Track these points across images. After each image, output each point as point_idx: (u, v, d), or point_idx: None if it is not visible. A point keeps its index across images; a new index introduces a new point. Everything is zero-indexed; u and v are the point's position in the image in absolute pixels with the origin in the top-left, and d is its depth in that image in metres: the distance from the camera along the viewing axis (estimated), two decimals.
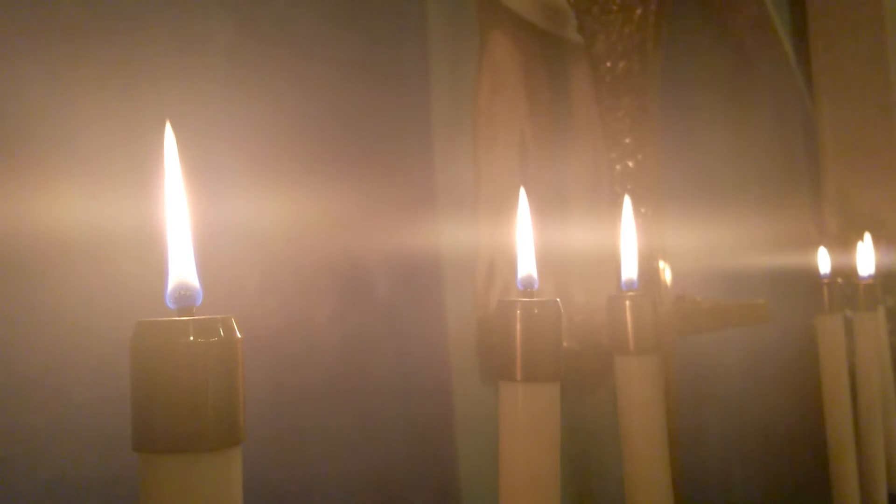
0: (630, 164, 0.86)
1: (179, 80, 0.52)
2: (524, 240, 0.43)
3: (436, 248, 0.72)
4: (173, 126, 0.44)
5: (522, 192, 0.44)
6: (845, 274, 1.17)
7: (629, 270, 0.57)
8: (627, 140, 0.86)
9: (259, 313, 0.55)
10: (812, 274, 1.12)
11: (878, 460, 1.12)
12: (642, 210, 0.86)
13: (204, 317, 0.26)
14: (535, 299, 0.41)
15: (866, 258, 1.14)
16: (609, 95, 0.87)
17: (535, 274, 0.43)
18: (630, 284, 0.57)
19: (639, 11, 0.85)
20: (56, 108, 0.44)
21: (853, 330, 1.12)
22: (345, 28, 0.65)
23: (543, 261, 0.87)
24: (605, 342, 0.70)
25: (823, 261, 1.02)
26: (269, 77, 0.59)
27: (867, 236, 1.26)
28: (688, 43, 1.27)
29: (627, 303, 0.56)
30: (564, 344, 0.72)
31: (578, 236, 0.91)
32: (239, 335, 0.26)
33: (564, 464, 0.87)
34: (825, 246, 1.60)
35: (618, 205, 0.87)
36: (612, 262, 0.88)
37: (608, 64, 0.87)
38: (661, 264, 0.85)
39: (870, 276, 1.15)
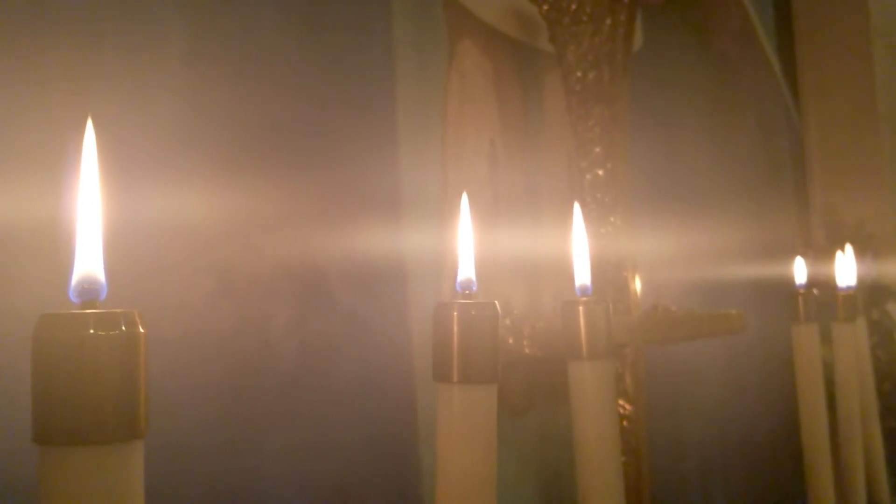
0: (600, 172, 0.87)
1: (131, 85, 0.52)
2: (464, 243, 0.43)
3: (400, 254, 0.72)
4: (118, 128, 0.44)
5: (464, 197, 0.44)
6: (827, 285, 1.17)
7: (582, 276, 0.57)
8: (597, 149, 0.87)
9: (212, 317, 0.55)
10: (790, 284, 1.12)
11: (858, 471, 1.12)
12: (612, 219, 0.86)
13: (105, 310, 0.26)
14: (472, 301, 0.41)
15: (845, 269, 1.14)
16: (579, 105, 0.87)
17: (473, 277, 0.43)
18: (584, 290, 0.57)
19: (608, 22, 0.86)
20: None
21: (832, 341, 1.13)
22: (309, 35, 0.65)
23: (515, 268, 0.87)
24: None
25: (799, 271, 1.02)
26: (229, 83, 0.59)
27: (848, 248, 1.27)
28: (669, 54, 1.27)
29: (581, 308, 0.56)
30: (526, 350, 0.72)
31: (551, 244, 0.92)
32: (142, 329, 0.27)
33: (537, 471, 0.87)
34: (808, 257, 1.61)
35: (588, 213, 0.87)
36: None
37: (579, 74, 0.87)
38: (629, 273, 0.85)
39: (849, 287, 1.16)
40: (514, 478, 0.83)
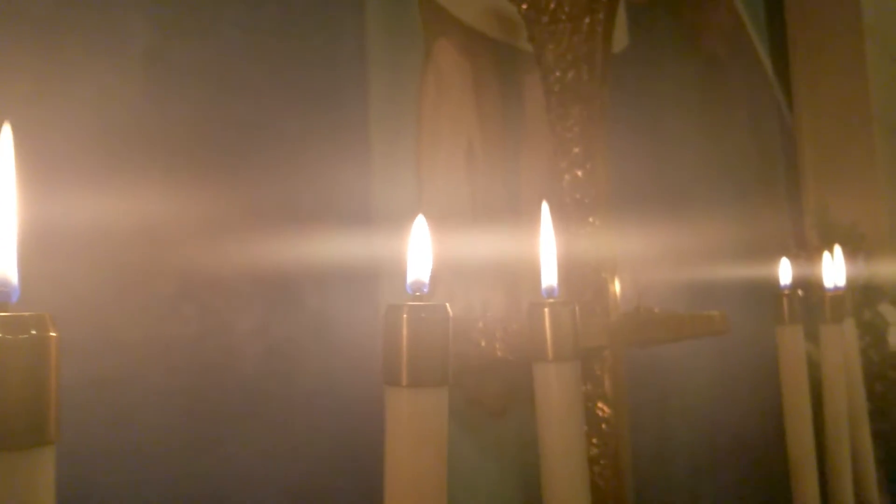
0: (579, 173, 0.86)
1: (89, 84, 0.52)
2: (416, 244, 0.43)
3: (372, 257, 0.71)
4: (74, 128, 0.43)
5: (419, 202, 0.44)
6: (818, 286, 1.16)
7: (549, 277, 0.57)
8: (576, 149, 0.86)
9: (174, 320, 0.55)
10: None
11: (845, 473, 1.11)
12: (591, 220, 0.85)
13: (13, 314, 0.26)
14: (423, 303, 0.41)
15: (832, 270, 1.14)
16: (558, 105, 0.87)
17: (425, 278, 0.42)
18: (550, 291, 0.57)
19: (587, 21, 0.85)
20: None
21: (819, 342, 1.12)
22: (277, 34, 0.65)
23: (494, 271, 0.87)
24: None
25: (784, 272, 1.02)
26: (193, 83, 0.58)
27: (837, 248, 1.26)
28: (656, 53, 1.27)
29: (546, 310, 0.55)
30: (498, 353, 0.72)
31: (530, 245, 0.91)
32: (53, 333, 0.26)
33: (517, 473, 0.86)
34: (801, 257, 1.60)
35: (567, 214, 0.86)
36: (561, 272, 0.87)
37: (557, 73, 0.87)
38: (608, 274, 0.84)
39: (838, 288, 1.15)
40: (494, 480, 0.83)
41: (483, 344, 0.71)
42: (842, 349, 1.12)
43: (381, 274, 0.72)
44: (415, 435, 0.40)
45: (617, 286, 0.87)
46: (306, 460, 0.62)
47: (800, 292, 1.00)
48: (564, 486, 0.54)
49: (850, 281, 1.62)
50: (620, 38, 1.15)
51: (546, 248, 0.57)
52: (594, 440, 0.83)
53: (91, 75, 0.52)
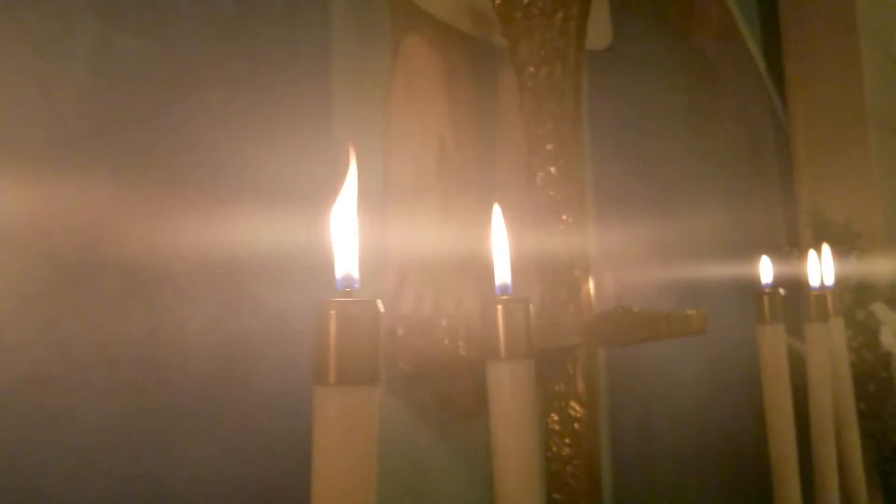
0: (552, 170, 0.85)
1: (34, 78, 0.51)
2: (342, 239, 0.42)
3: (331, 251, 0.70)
4: (15, 124, 0.43)
5: (348, 187, 0.43)
6: (801, 284, 1.15)
7: (502, 275, 0.56)
8: (549, 146, 0.85)
9: (120, 318, 0.54)
10: (783, 284, 1.11)
11: (831, 475, 1.10)
12: (564, 217, 0.84)
13: None
14: (352, 299, 0.40)
15: (817, 268, 1.12)
16: (532, 101, 0.86)
17: (355, 274, 0.41)
18: (504, 289, 0.56)
19: (560, 16, 0.84)
20: None
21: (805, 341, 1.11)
22: (235, 29, 0.64)
23: (467, 269, 0.86)
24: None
25: (765, 270, 1.00)
26: (142, 79, 0.58)
27: (825, 247, 1.25)
28: (642, 50, 1.25)
29: (499, 307, 0.54)
30: (461, 352, 0.71)
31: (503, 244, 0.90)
32: None
33: (486, 477, 0.85)
34: (793, 256, 1.58)
35: (540, 212, 0.86)
36: (534, 270, 0.86)
37: (531, 69, 0.86)
38: (581, 272, 0.83)
39: (826, 287, 1.13)
40: (466, 481, 0.82)
41: (447, 342, 0.70)
42: (828, 348, 1.11)
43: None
44: (343, 435, 0.39)
45: (591, 285, 0.86)
46: (262, 461, 0.62)
47: (781, 291, 0.99)
48: (517, 488, 0.53)
49: (841, 280, 1.61)
50: (603, 35, 1.14)
51: (498, 246, 0.56)
52: (567, 440, 0.82)
53: (35, 69, 0.51)
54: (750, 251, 1.50)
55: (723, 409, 1.34)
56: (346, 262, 0.41)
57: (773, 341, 0.98)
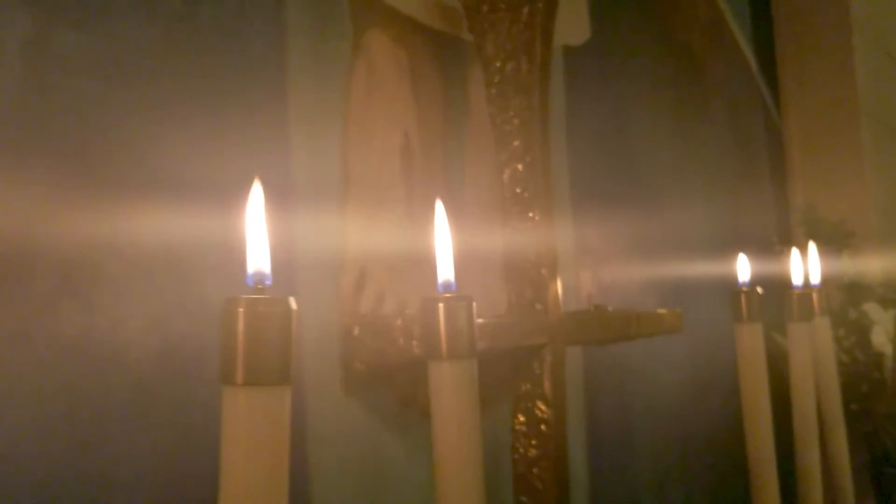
0: (519, 167, 0.83)
1: None
2: (255, 234, 0.40)
3: (288, 250, 0.69)
4: None
5: (256, 185, 0.41)
6: (784, 283, 1.13)
7: (444, 272, 0.54)
8: (516, 142, 0.83)
9: (54, 317, 0.53)
10: (772, 282, 1.09)
11: (815, 477, 1.08)
12: (531, 214, 0.83)
13: None
14: (262, 296, 0.39)
15: (800, 267, 1.10)
16: (498, 97, 0.84)
17: (266, 269, 0.40)
18: (447, 286, 0.54)
19: (526, 10, 0.83)
20: None
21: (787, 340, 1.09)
22: (180, 21, 0.63)
23: (431, 268, 0.84)
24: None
25: (742, 268, 0.99)
26: (81, 74, 0.56)
27: (812, 245, 1.23)
28: (624, 46, 1.24)
29: (441, 305, 0.53)
30: (416, 351, 0.69)
31: (473, 242, 0.88)
32: None
33: None
34: (785, 254, 1.56)
35: (507, 209, 0.84)
36: (501, 269, 0.85)
37: (497, 64, 0.84)
38: (548, 270, 0.81)
39: (806, 286, 1.11)
40: (427, 483, 0.80)
41: (401, 342, 0.69)
42: (810, 348, 1.09)
43: (300, 267, 0.70)
44: (252, 437, 0.38)
45: (559, 284, 0.84)
46: (203, 462, 0.60)
47: (759, 290, 0.97)
48: (458, 491, 0.52)
49: (832, 279, 1.59)
50: (581, 30, 1.13)
51: (441, 242, 0.55)
52: (533, 441, 0.81)
53: None
54: (740, 250, 1.48)
55: (708, 411, 1.32)
56: (258, 257, 0.40)
57: (751, 341, 0.96)
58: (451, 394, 0.52)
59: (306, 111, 0.72)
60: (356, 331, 0.71)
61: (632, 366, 1.15)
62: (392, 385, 0.76)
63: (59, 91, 0.55)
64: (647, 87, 1.29)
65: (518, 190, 0.83)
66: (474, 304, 0.53)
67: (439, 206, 0.55)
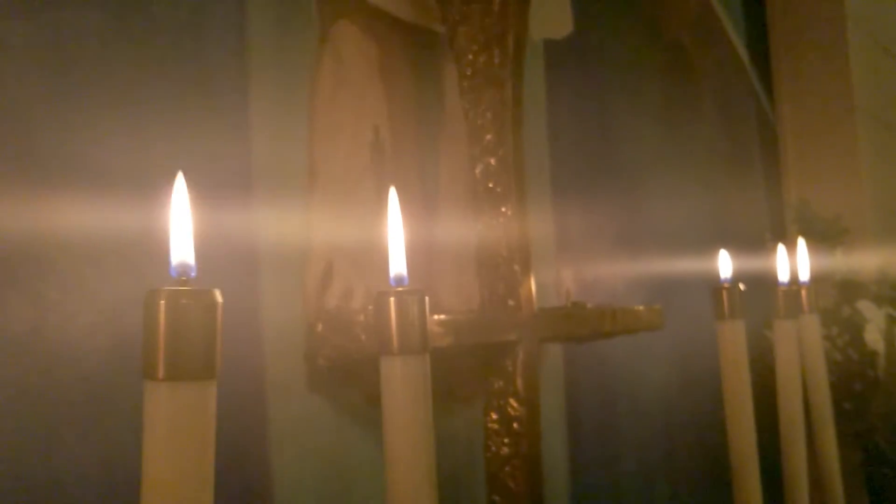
0: (492, 161, 0.82)
1: None
2: (179, 226, 0.39)
3: (251, 243, 0.68)
4: None
5: (179, 177, 0.40)
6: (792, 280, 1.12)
7: (396, 265, 0.53)
8: (489, 136, 0.82)
9: None
10: (765, 279, 1.08)
11: (801, 478, 1.06)
12: (503, 209, 0.81)
13: None
14: (185, 288, 0.37)
15: (786, 263, 1.09)
16: (471, 90, 0.83)
17: (190, 261, 0.39)
18: (399, 280, 0.53)
19: (498, 1, 0.81)
20: None
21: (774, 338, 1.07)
22: (135, 11, 0.61)
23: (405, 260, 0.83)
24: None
25: (724, 264, 0.97)
26: (26, 66, 0.55)
27: (801, 241, 1.21)
28: (608, 40, 1.22)
29: (392, 299, 0.51)
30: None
31: (447, 236, 0.87)
32: None
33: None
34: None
35: (479, 204, 0.83)
36: (474, 265, 0.83)
37: (470, 56, 0.83)
38: (520, 266, 0.80)
39: (793, 283, 1.10)
40: None
41: (363, 338, 0.67)
42: (796, 345, 1.07)
43: (263, 261, 0.68)
44: (175, 435, 0.37)
45: (533, 280, 0.83)
46: None
47: (741, 286, 0.95)
48: (409, 489, 0.50)
49: (825, 276, 1.57)
50: (563, 23, 1.11)
51: (394, 234, 0.53)
52: (505, 440, 0.80)
53: None
54: (731, 246, 1.47)
55: (696, 408, 1.30)
56: (182, 248, 0.38)
57: (733, 338, 0.94)
58: (403, 390, 0.51)
59: (269, 104, 0.71)
60: (319, 327, 0.70)
61: (616, 362, 1.13)
62: (358, 382, 0.75)
63: (5, 80, 0.54)
64: (633, 81, 1.27)
65: (490, 185, 0.82)
66: (427, 298, 0.52)
67: (392, 194, 0.54)
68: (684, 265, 1.34)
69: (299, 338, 0.71)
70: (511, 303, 0.80)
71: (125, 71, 0.60)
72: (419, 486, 0.51)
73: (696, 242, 1.38)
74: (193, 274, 0.39)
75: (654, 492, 1.19)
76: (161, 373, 0.36)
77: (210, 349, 0.37)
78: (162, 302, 0.37)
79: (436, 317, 0.70)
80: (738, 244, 1.45)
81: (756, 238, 1.58)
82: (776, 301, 1.06)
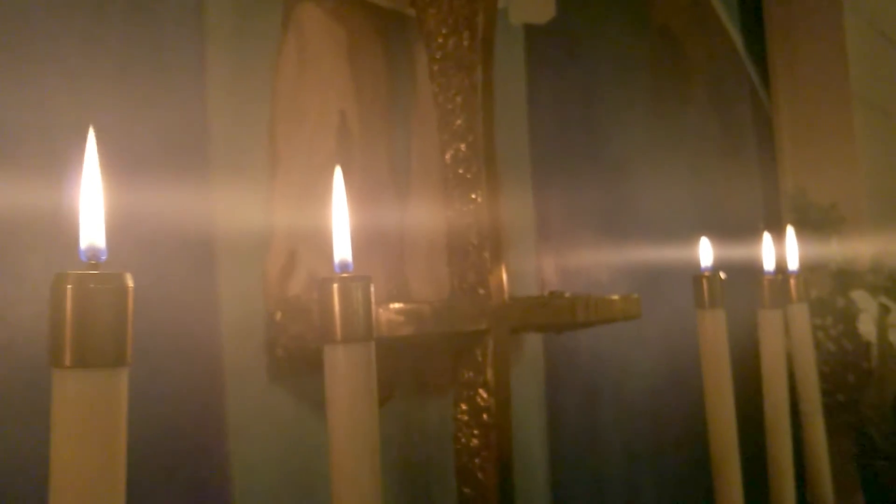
0: (462, 146, 0.80)
1: None
2: (88, 202, 0.37)
3: (208, 230, 0.66)
4: None
5: (90, 136, 0.38)
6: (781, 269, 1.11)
7: (341, 251, 0.52)
8: (459, 121, 0.80)
9: None
10: (758, 268, 1.06)
11: (786, 470, 1.04)
12: (473, 196, 0.80)
13: None
14: (93, 272, 0.36)
15: (771, 252, 1.07)
16: (440, 74, 0.81)
17: (100, 244, 0.37)
18: (343, 266, 0.52)
19: None
20: None
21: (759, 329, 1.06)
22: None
23: (375, 250, 0.81)
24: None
25: (705, 252, 0.95)
26: None
27: (789, 230, 1.19)
28: (593, 25, 1.20)
29: (335, 286, 0.50)
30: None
31: (419, 224, 0.86)
32: None
33: (387, 469, 0.81)
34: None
35: (449, 191, 0.81)
36: (445, 253, 0.82)
37: (439, 40, 0.81)
38: (490, 254, 0.78)
39: (779, 272, 1.08)
40: None
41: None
42: (782, 336, 1.05)
43: (220, 248, 0.67)
44: (84, 425, 0.35)
45: (504, 268, 0.81)
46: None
47: (722, 275, 0.93)
48: (352, 480, 0.49)
49: (820, 265, 1.54)
50: (545, 8, 1.09)
51: (338, 217, 0.52)
52: (475, 431, 0.78)
53: None
54: (725, 235, 1.44)
55: (684, 398, 1.28)
56: (92, 231, 0.37)
57: (713, 327, 0.92)
58: (346, 379, 0.50)
59: (227, 87, 0.69)
60: (279, 315, 0.68)
61: (600, 352, 1.12)
62: (319, 372, 0.73)
63: None
64: (620, 67, 1.25)
65: (461, 171, 0.80)
66: (372, 285, 0.50)
67: (338, 174, 0.52)
68: (675, 254, 1.32)
69: (260, 327, 0.69)
70: (481, 291, 0.79)
71: (73, 46, 0.59)
72: (362, 477, 0.49)
73: (688, 232, 1.36)
74: (104, 258, 0.37)
75: (639, 484, 1.18)
76: (68, 360, 0.35)
77: (121, 335, 0.36)
78: (69, 287, 0.35)
79: (396, 305, 0.68)
80: (733, 233, 1.43)
81: (751, 227, 1.55)
82: (761, 290, 1.04)
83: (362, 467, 0.49)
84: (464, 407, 0.79)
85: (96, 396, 0.36)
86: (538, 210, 1.04)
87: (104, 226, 0.37)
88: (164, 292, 0.63)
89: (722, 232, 1.43)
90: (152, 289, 0.62)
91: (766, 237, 1.07)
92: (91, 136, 0.37)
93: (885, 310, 1.40)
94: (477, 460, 0.78)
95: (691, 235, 1.38)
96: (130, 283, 0.36)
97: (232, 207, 0.68)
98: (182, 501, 0.63)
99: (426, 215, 0.85)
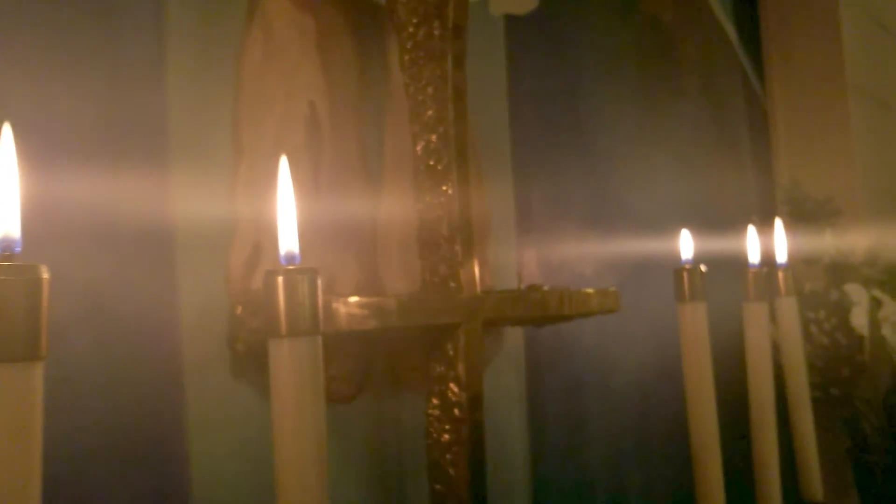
0: (433, 138, 0.79)
1: None
2: (1, 197, 0.36)
3: (166, 221, 0.65)
4: None
5: (5, 129, 0.37)
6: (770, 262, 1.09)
7: (288, 242, 0.51)
8: (430, 112, 0.79)
9: None
10: (742, 261, 1.05)
11: (772, 464, 1.03)
12: (444, 188, 0.78)
13: None
14: (6, 264, 0.35)
15: (756, 245, 1.05)
16: (412, 64, 0.80)
17: (14, 234, 0.36)
18: (290, 258, 0.51)
19: None
20: None
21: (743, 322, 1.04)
22: None
23: (344, 243, 0.80)
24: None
25: (685, 245, 0.94)
26: None
27: (778, 222, 1.18)
28: (579, 15, 1.19)
29: (280, 279, 0.49)
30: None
31: (392, 217, 0.84)
32: None
33: (359, 472, 0.80)
34: (763, 233, 1.50)
35: (420, 183, 0.80)
36: (416, 246, 0.81)
37: (410, 29, 0.80)
38: (461, 247, 0.77)
39: (764, 264, 1.06)
40: (337, 474, 0.77)
41: None
42: (766, 329, 1.04)
43: (179, 241, 0.66)
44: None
45: (476, 261, 0.80)
46: (75, 454, 0.57)
47: (702, 268, 0.92)
48: (297, 482, 0.48)
49: (814, 258, 1.53)
50: None
51: (284, 208, 0.51)
52: (446, 426, 0.77)
53: None
54: (718, 228, 1.43)
55: (671, 393, 1.27)
56: (5, 221, 0.36)
57: (694, 321, 0.91)
58: (291, 374, 0.49)
59: (189, 76, 0.68)
60: (239, 310, 0.67)
61: (584, 346, 1.10)
62: None
63: None
64: (606, 58, 1.23)
65: (431, 162, 0.79)
66: (319, 278, 0.49)
67: (283, 165, 0.51)
68: (665, 247, 1.30)
69: (222, 322, 0.68)
70: (452, 285, 0.78)
71: (27, 36, 0.58)
72: (308, 474, 0.48)
73: (680, 225, 1.34)
74: (18, 249, 0.36)
75: (624, 479, 1.16)
76: None
77: (34, 328, 0.35)
78: None
79: (355, 299, 0.67)
80: (726, 226, 1.42)
81: (744, 220, 1.54)
82: (745, 283, 1.03)
83: (307, 465, 0.48)
84: (435, 402, 0.78)
85: (9, 392, 0.35)
86: (519, 203, 1.03)
87: (20, 216, 0.36)
88: (122, 285, 0.62)
89: (715, 225, 1.42)
90: (110, 281, 0.61)
91: (751, 230, 1.06)
92: (7, 129, 0.36)
93: (877, 303, 1.38)
94: (448, 456, 0.77)
95: (682, 228, 1.36)
96: (45, 274, 0.35)
97: (193, 198, 0.67)
98: (141, 496, 0.62)
99: (399, 208, 0.84)
